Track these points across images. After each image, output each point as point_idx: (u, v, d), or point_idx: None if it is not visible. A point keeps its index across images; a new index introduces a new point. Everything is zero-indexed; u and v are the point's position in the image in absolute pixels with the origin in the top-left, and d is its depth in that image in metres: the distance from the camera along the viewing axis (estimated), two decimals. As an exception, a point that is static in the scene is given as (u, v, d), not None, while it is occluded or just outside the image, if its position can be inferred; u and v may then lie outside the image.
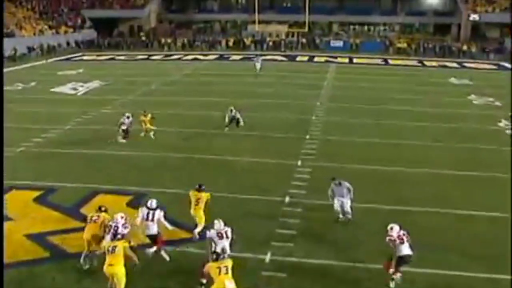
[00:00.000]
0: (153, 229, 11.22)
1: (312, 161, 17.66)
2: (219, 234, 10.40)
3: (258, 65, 38.78)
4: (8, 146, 18.08)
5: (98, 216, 11.05)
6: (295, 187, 15.21)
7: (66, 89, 32.47)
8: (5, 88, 29.22)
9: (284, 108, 26.08)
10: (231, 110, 21.38)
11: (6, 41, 47.83)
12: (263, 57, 42.56)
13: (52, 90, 31.87)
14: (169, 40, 59.69)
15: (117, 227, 10.48)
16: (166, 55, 52.19)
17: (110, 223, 10.71)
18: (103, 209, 11.30)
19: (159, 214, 11.28)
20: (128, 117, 20.12)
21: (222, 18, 67.77)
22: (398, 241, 10.04)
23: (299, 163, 17.41)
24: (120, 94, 30.17)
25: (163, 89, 32.38)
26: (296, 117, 24.16)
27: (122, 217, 10.74)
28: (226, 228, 10.50)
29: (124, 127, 19.91)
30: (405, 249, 10.12)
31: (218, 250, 9.88)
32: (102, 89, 32.68)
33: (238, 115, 21.33)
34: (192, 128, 21.76)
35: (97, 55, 52.44)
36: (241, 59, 48.30)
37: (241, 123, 21.25)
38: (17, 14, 58.72)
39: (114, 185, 15.25)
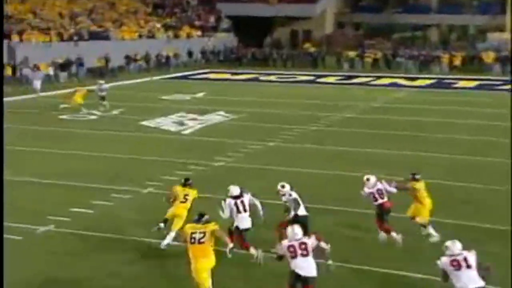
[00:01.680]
0: (248, 222, 14.40)
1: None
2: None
3: None
4: (26, 222, 17.47)
5: (187, 196, 15.24)
6: None
7: (167, 122, 33.14)
8: (71, 117, 33.15)
9: None
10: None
11: (95, 44, 51.05)
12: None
13: (143, 123, 32.58)
14: (352, 54, 61.81)
15: (306, 244, 11.94)
16: (345, 77, 54.27)
17: (288, 243, 12.00)
18: (188, 182, 15.63)
19: (248, 198, 14.61)
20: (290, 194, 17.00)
21: (443, 22, 69.22)
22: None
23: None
24: (254, 137, 29.96)
25: (333, 131, 32.01)
26: None
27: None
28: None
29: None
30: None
31: None
32: (225, 126, 33.28)
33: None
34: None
35: (232, 74, 55.35)
36: (476, 87, 48.79)
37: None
38: (118, 6, 59.67)
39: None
